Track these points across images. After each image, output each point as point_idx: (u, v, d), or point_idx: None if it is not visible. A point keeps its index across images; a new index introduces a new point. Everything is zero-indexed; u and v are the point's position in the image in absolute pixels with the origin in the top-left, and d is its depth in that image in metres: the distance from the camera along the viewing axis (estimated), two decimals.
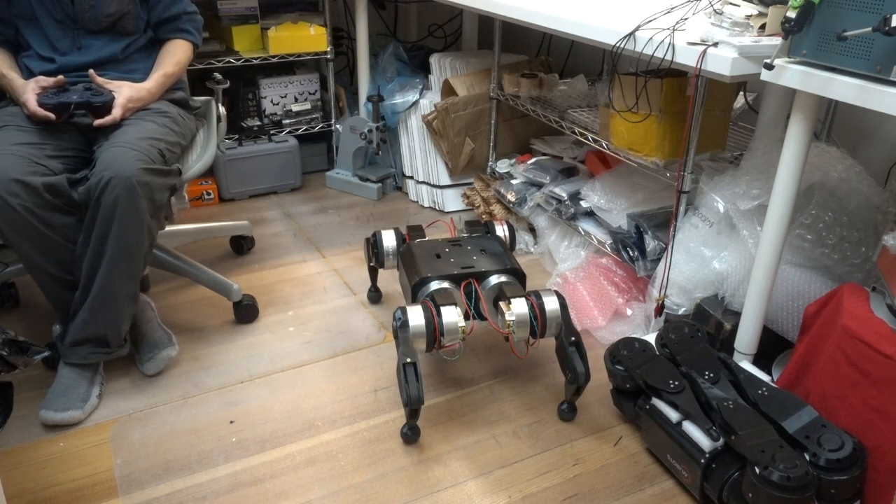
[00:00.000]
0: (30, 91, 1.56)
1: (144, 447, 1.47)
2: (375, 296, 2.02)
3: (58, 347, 1.56)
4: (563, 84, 2.42)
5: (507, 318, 1.50)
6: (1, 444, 1.47)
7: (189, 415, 1.57)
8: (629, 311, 1.85)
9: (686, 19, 1.49)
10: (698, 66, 1.35)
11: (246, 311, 1.91)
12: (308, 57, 2.68)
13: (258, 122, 2.69)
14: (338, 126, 2.78)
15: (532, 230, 2.31)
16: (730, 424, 1.25)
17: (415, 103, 2.57)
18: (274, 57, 2.58)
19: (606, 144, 1.89)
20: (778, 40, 1.23)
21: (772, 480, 1.14)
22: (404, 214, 2.60)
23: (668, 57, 1.40)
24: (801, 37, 1.17)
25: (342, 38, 3.02)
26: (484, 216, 2.41)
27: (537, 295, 1.54)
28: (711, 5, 1.45)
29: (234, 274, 2.14)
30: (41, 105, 1.54)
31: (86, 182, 1.46)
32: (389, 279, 2.06)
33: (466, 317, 1.57)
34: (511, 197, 2.26)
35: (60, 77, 1.59)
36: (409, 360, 1.41)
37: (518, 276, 1.65)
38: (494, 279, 1.62)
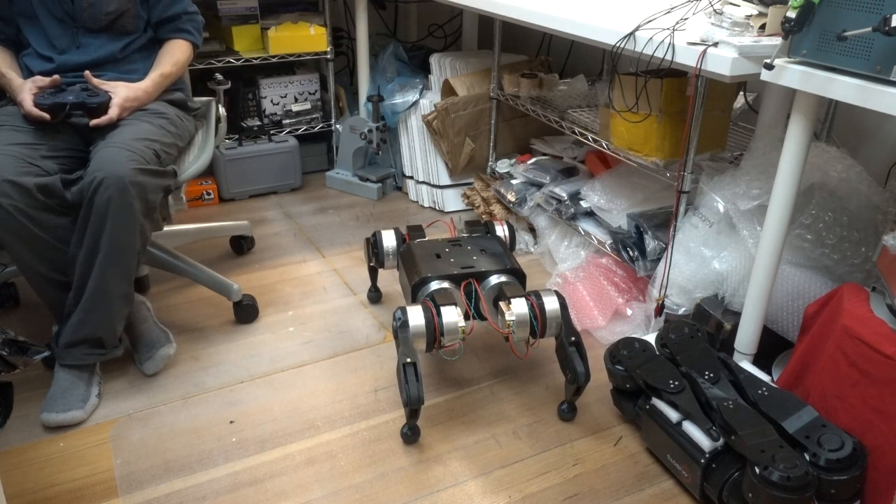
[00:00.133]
0: (26, 91, 1.56)
1: (144, 447, 1.47)
2: (375, 296, 2.02)
3: (52, 349, 1.56)
4: (563, 84, 2.42)
5: (507, 318, 1.50)
6: (1, 444, 1.47)
7: (189, 415, 1.57)
8: (629, 311, 1.85)
9: (686, 19, 1.49)
10: (698, 66, 1.35)
11: (246, 311, 1.91)
12: (308, 57, 2.68)
13: (258, 122, 2.69)
14: (338, 126, 2.78)
15: (532, 230, 2.31)
16: (730, 424, 1.25)
17: (415, 103, 2.57)
18: (274, 57, 2.58)
19: (606, 144, 1.89)
20: (778, 40, 1.23)
21: (772, 480, 1.14)
22: (404, 214, 2.60)
23: (668, 57, 1.40)
24: (801, 37, 1.17)
25: (342, 38, 3.02)
26: (484, 216, 2.41)
27: (537, 295, 1.54)
28: (711, 5, 1.45)
29: (234, 274, 2.14)
30: (37, 105, 1.53)
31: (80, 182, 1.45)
32: (389, 279, 2.06)
33: (466, 317, 1.57)
34: (511, 197, 2.26)
35: (56, 77, 1.58)
36: (409, 360, 1.41)
37: (518, 276, 1.65)
38: (494, 279, 1.62)
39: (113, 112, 1.57)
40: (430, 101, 2.52)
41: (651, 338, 1.55)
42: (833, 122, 1.80)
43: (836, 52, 1.11)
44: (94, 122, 1.56)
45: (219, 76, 1.87)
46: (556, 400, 1.62)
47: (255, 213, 2.56)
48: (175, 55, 1.74)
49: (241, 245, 2.27)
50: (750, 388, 1.35)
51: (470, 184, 2.57)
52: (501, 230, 1.87)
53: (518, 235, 2.25)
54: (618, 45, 1.51)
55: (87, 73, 1.59)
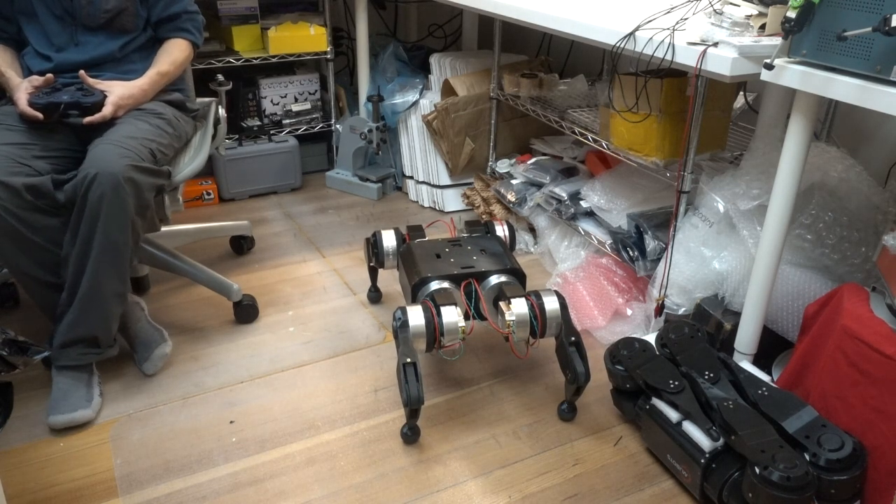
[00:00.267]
0: (22, 90, 1.56)
1: (144, 447, 1.47)
2: (375, 296, 2.02)
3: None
4: (563, 84, 2.42)
5: (507, 318, 1.50)
6: (1, 444, 1.47)
7: (189, 415, 1.57)
8: (629, 311, 1.85)
9: (686, 19, 1.49)
10: (698, 66, 1.35)
11: (246, 311, 1.91)
12: (308, 57, 2.68)
13: (258, 122, 2.69)
14: (338, 126, 2.78)
15: (532, 230, 2.31)
16: (730, 424, 1.25)
17: (415, 103, 2.57)
18: (274, 57, 2.58)
19: (606, 144, 1.89)
20: (778, 40, 1.23)
21: (772, 480, 1.14)
22: (404, 214, 2.60)
23: (668, 57, 1.40)
24: (801, 37, 1.17)
25: (342, 38, 3.02)
26: (484, 216, 2.41)
27: (537, 295, 1.54)
28: (711, 5, 1.45)
29: (234, 274, 2.14)
30: (31, 104, 1.53)
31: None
32: (389, 279, 2.06)
33: (466, 317, 1.57)
34: (511, 197, 2.26)
35: (49, 76, 1.57)
36: (409, 360, 1.41)
37: (518, 276, 1.65)
38: (494, 279, 1.62)
39: (107, 110, 1.56)
40: (430, 101, 2.52)
41: (651, 338, 1.55)
42: (833, 122, 1.80)
43: (836, 52, 1.11)
44: (87, 119, 1.55)
45: (220, 77, 1.86)
46: (556, 400, 1.62)
47: (255, 213, 2.56)
48: (173, 54, 1.73)
49: (241, 245, 2.27)
50: (750, 388, 1.35)
51: (470, 184, 2.57)
52: (501, 230, 1.87)
53: (518, 235, 2.25)
54: (618, 45, 1.51)
55: (81, 72, 1.58)
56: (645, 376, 1.43)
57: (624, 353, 1.51)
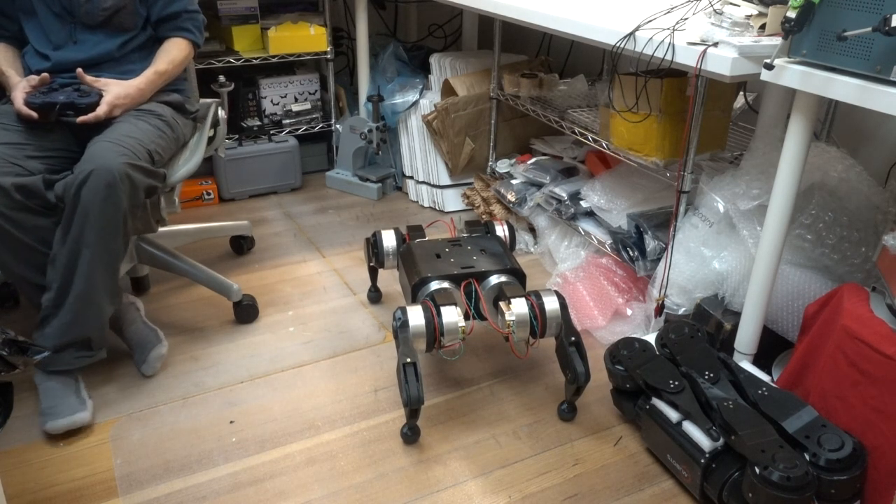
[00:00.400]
0: (19, 89, 1.55)
1: (144, 447, 1.47)
2: (375, 296, 2.02)
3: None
4: (563, 84, 2.42)
5: (507, 318, 1.50)
6: (1, 444, 1.47)
7: (189, 415, 1.57)
8: (629, 311, 1.85)
9: (686, 19, 1.49)
10: (698, 66, 1.35)
11: (246, 311, 1.91)
12: (308, 57, 2.68)
13: (258, 122, 2.69)
14: (338, 126, 2.78)
15: (532, 230, 2.31)
16: (730, 424, 1.25)
17: (415, 103, 2.57)
18: (274, 57, 2.58)
19: (606, 144, 1.89)
20: (778, 40, 1.23)
21: (772, 480, 1.14)
22: (404, 214, 2.60)
23: (668, 57, 1.40)
24: (801, 37, 1.17)
25: (342, 38, 3.02)
26: (484, 216, 2.41)
27: (537, 295, 1.54)
28: (711, 5, 1.45)
29: (234, 274, 2.14)
30: (27, 104, 1.53)
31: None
32: (389, 279, 2.06)
33: (466, 317, 1.57)
34: (511, 197, 2.26)
35: (45, 75, 1.57)
36: (409, 360, 1.41)
37: (518, 276, 1.65)
38: (494, 279, 1.62)
39: (100, 110, 1.55)
40: (430, 101, 2.52)
41: (651, 338, 1.55)
42: (833, 122, 1.80)
43: (836, 52, 1.11)
44: (80, 119, 1.54)
45: (222, 78, 1.85)
46: (556, 400, 1.62)
47: (255, 213, 2.56)
48: (172, 53, 1.72)
49: (241, 245, 2.27)
50: (750, 388, 1.35)
51: (470, 184, 2.57)
52: (501, 230, 1.87)
53: (518, 235, 2.25)
54: (618, 45, 1.51)
55: (79, 70, 1.57)
56: (645, 376, 1.43)
57: (624, 353, 1.51)
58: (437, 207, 2.65)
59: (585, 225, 2.03)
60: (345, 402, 1.61)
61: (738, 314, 1.50)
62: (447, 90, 2.52)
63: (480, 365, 1.75)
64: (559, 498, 1.37)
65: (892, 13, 1.00)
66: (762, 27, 1.35)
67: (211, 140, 1.87)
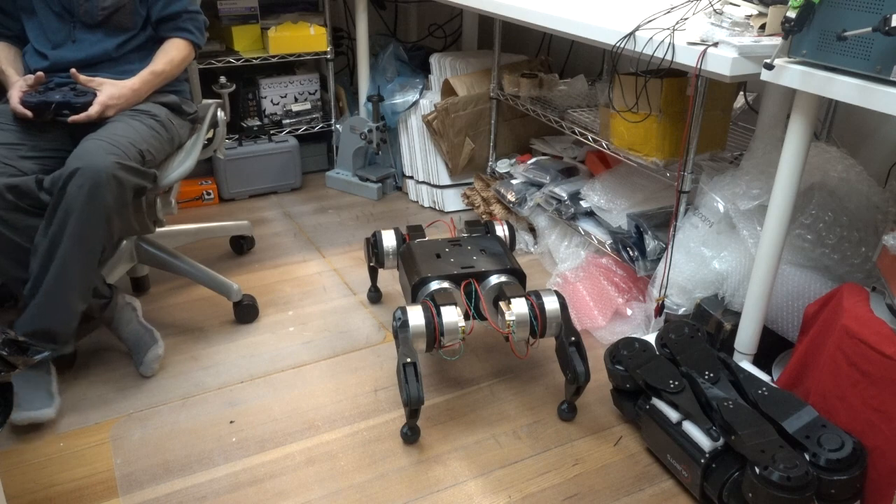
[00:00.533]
0: (16, 88, 1.56)
1: (144, 447, 1.47)
2: (375, 296, 2.02)
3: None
4: (563, 84, 2.42)
5: (507, 318, 1.50)
6: (1, 444, 1.47)
7: (189, 415, 1.57)
8: (629, 311, 1.85)
9: (686, 19, 1.49)
10: (698, 66, 1.35)
11: (246, 311, 1.91)
12: (308, 57, 2.68)
13: (258, 122, 2.69)
14: (338, 126, 2.78)
15: (532, 230, 2.31)
16: (730, 424, 1.25)
17: (415, 103, 2.57)
18: (274, 57, 2.58)
19: (606, 144, 1.89)
20: (778, 40, 1.23)
21: (772, 480, 1.14)
22: (404, 214, 2.60)
23: (668, 57, 1.40)
24: (801, 37, 1.17)
25: (342, 38, 3.02)
26: (484, 216, 2.41)
27: (537, 295, 1.54)
28: (711, 5, 1.45)
29: (234, 274, 2.14)
30: (23, 103, 1.53)
31: None
32: (389, 279, 2.06)
33: (466, 317, 1.57)
34: (511, 197, 2.26)
35: (40, 74, 1.57)
36: (409, 360, 1.41)
37: (518, 276, 1.65)
38: (494, 279, 1.62)
39: (92, 110, 1.55)
40: (430, 101, 2.52)
41: (651, 338, 1.55)
42: (833, 122, 1.80)
43: (836, 52, 1.11)
44: (72, 118, 1.54)
45: (223, 79, 1.85)
46: (556, 400, 1.62)
47: (255, 213, 2.56)
48: (170, 54, 1.71)
49: (241, 245, 2.27)
50: (750, 388, 1.35)
51: (470, 184, 2.57)
52: (501, 230, 1.87)
53: (518, 235, 2.25)
54: (618, 45, 1.51)
55: (73, 70, 1.56)
56: (645, 376, 1.43)
57: (624, 353, 1.51)
58: (437, 207, 2.65)
59: (585, 225, 2.03)
60: (345, 402, 1.61)
61: (738, 314, 1.50)
62: (447, 90, 2.52)
63: (480, 365, 1.75)
64: (559, 498, 1.37)
65: (892, 13, 1.00)
66: (762, 27, 1.35)
67: (210, 141, 1.86)
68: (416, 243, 1.75)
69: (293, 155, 2.71)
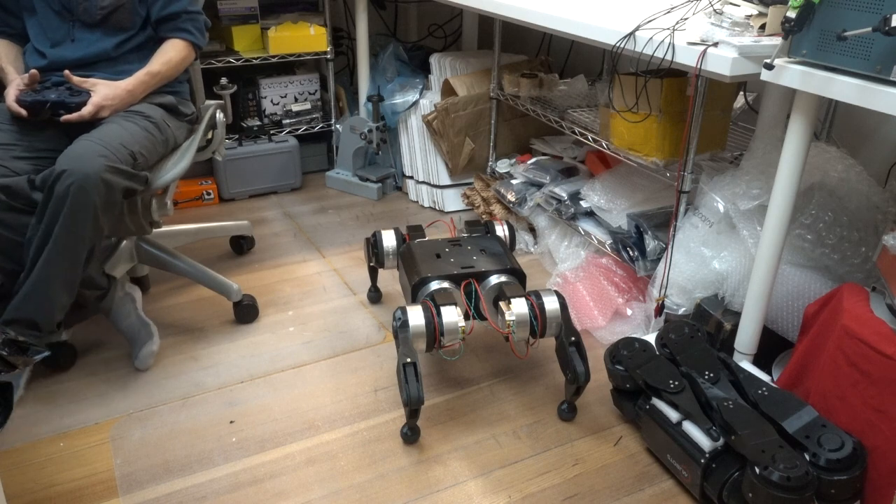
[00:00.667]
0: (13, 86, 1.56)
1: (144, 447, 1.47)
2: (375, 296, 2.02)
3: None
4: (563, 84, 2.42)
5: (507, 318, 1.50)
6: (1, 444, 1.47)
7: (189, 415, 1.57)
8: (629, 311, 1.85)
9: (686, 19, 1.49)
10: (698, 66, 1.35)
11: (246, 311, 1.91)
12: (308, 57, 2.68)
13: (258, 122, 2.69)
14: (338, 126, 2.78)
15: (532, 230, 2.31)
16: (730, 424, 1.25)
17: (415, 103, 2.58)
18: (274, 57, 2.58)
19: (606, 144, 1.89)
20: (778, 40, 1.23)
21: (772, 480, 1.14)
22: (404, 214, 2.60)
23: (668, 57, 1.40)
24: (801, 37, 1.17)
25: (342, 38, 3.02)
26: (484, 216, 2.41)
27: (537, 295, 1.54)
28: (711, 5, 1.45)
29: (234, 274, 2.14)
30: (19, 101, 1.53)
31: None
32: (389, 279, 2.06)
33: (466, 317, 1.57)
34: (511, 197, 2.26)
35: (34, 72, 1.56)
36: (409, 360, 1.41)
37: (518, 276, 1.65)
38: (494, 279, 1.62)
39: (85, 110, 1.54)
40: (430, 101, 2.52)
41: (651, 338, 1.55)
42: (833, 122, 1.80)
43: (836, 52, 1.11)
44: (64, 117, 1.53)
45: (224, 80, 1.84)
46: (556, 400, 1.62)
47: (255, 213, 2.56)
48: (168, 54, 1.70)
49: (241, 245, 2.27)
50: (750, 388, 1.35)
51: (470, 184, 2.57)
52: (501, 230, 1.87)
53: (518, 235, 2.25)
54: (618, 45, 1.51)
55: (66, 72, 1.56)
56: (645, 376, 1.43)
57: (624, 353, 1.51)
58: (437, 207, 2.65)
59: (585, 225, 2.03)
60: (345, 402, 1.61)
61: (738, 314, 1.50)
62: (447, 90, 2.52)
63: (480, 365, 1.75)
64: (559, 498, 1.37)
65: (892, 13, 1.00)
66: (762, 27, 1.35)
67: (209, 143, 1.85)
68: (416, 243, 1.75)
69: (293, 155, 2.71)
